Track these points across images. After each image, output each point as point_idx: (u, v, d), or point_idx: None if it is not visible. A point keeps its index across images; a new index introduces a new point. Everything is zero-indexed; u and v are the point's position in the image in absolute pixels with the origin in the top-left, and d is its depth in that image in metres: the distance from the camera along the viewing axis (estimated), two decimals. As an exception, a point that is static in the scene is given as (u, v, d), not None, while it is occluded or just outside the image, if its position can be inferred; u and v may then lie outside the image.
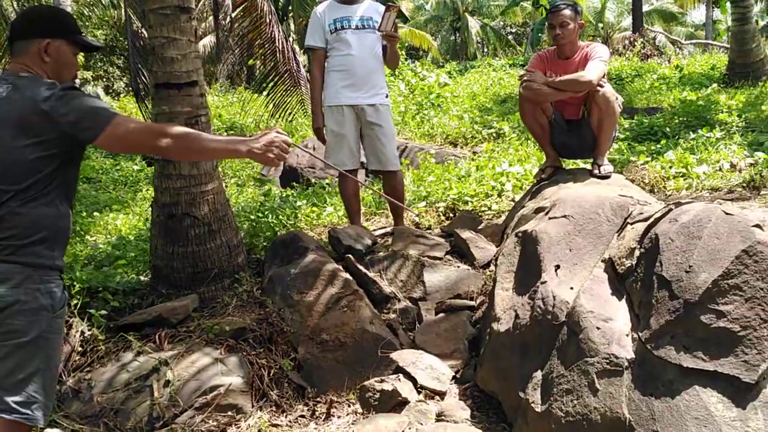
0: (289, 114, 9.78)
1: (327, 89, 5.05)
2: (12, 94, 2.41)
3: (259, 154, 2.53)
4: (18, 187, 2.36)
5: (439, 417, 3.40)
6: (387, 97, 5.19)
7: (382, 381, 3.62)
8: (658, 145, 7.03)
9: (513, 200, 5.87)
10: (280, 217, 5.95)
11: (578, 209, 3.55)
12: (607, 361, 2.75)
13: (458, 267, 4.69)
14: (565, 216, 3.55)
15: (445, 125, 10.63)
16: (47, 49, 2.52)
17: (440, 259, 4.78)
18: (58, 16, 2.66)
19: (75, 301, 4.02)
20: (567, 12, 4.41)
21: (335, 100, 5.00)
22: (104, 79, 25.81)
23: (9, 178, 2.36)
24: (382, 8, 5.09)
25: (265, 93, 9.79)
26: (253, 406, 3.66)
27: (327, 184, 7.96)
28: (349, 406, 3.73)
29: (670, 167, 6.00)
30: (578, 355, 2.86)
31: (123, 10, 11.22)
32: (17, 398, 2.34)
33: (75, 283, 4.16)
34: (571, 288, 3.16)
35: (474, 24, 35.00)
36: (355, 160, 5.07)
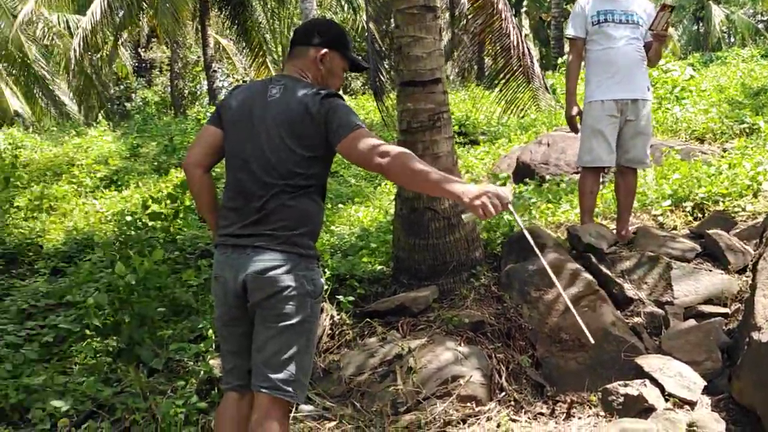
0: (521, 110, 9.71)
1: (589, 85, 4.88)
2: (284, 95, 2.62)
3: (469, 204, 2.38)
4: (286, 182, 2.55)
5: (690, 428, 3.20)
6: (650, 90, 4.96)
7: (626, 385, 3.48)
8: None
9: (772, 201, 5.38)
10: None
11: None
12: None
13: (710, 271, 4.38)
14: None
15: (690, 120, 9.96)
16: (323, 57, 2.71)
17: (689, 261, 4.50)
18: (339, 30, 2.83)
19: (325, 287, 4.28)
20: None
21: (598, 95, 4.80)
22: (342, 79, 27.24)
23: (279, 173, 2.56)
24: (647, 3, 4.92)
25: (497, 89, 9.81)
26: (491, 399, 3.69)
27: (562, 180, 7.79)
28: (589, 408, 3.63)
29: None
30: None
31: (365, 13, 11.78)
32: (281, 376, 2.53)
33: (326, 270, 4.44)
34: None
35: (719, 13, 32.37)
36: (612, 156, 4.85)
